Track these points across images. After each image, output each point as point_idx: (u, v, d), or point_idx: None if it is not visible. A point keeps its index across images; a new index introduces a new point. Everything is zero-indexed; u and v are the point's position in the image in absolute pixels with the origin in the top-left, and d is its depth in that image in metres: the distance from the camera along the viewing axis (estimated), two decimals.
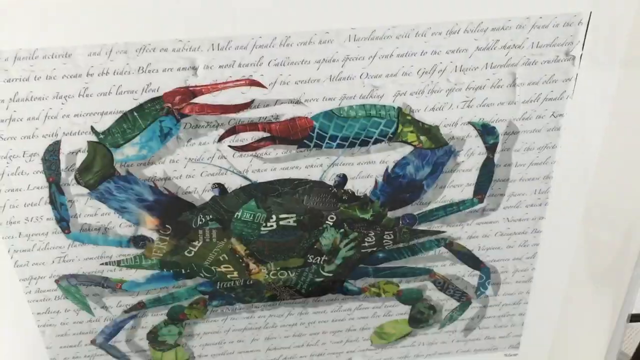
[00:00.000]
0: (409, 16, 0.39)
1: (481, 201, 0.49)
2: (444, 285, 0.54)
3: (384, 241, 0.50)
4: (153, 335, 0.54)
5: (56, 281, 0.49)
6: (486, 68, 0.42)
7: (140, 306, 0.52)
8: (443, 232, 0.51)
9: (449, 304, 0.56)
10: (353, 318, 0.56)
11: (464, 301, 0.55)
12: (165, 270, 0.50)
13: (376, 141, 0.44)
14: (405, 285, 0.54)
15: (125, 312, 0.52)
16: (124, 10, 0.37)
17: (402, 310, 0.56)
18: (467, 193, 0.48)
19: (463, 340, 0.59)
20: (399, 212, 0.49)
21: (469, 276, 0.54)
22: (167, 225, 0.47)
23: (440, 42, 0.41)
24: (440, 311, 0.56)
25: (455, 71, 0.42)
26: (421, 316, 0.56)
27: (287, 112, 0.42)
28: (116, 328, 0.53)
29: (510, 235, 0.51)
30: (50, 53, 0.37)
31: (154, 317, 0.53)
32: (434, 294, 0.55)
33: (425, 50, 0.41)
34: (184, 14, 0.37)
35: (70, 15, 0.36)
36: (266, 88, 0.41)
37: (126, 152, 0.42)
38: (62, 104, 0.40)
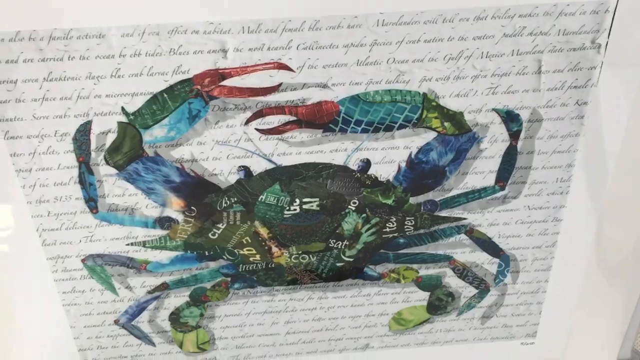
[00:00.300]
0: (436, 2, 0.40)
1: (503, 188, 0.49)
2: (463, 272, 0.55)
3: (405, 227, 0.51)
4: (175, 317, 0.55)
5: (82, 260, 0.50)
6: (512, 55, 0.42)
7: (164, 287, 0.53)
8: (464, 218, 0.51)
9: (468, 291, 0.56)
10: (372, 303, 0.57)
11: (483, 289, 0.56)
12: (189, 251, 0.50)
13: (400, 127, 0.45)
14: (424, 271, 0.54)
15: (149, 292, 0.53)
16: None
17: (420, 297, 0.56)
18: (489, 180, 0.49)
19: (480, 327, 0.59)
20: (420, 198, 0.49)
21: (488, 264, 0.54)
22: (192, 207, 0.48)
23: (468, 28, 0.41)
24: (459, 298, 0.57)
25: (482, 57, 0.42)
26: (439, 303, 0.57)
27: (314, 96, 0.43)
28: (139, 308, 0.54)
29: (531, 224, 0.52)
30: (85, 33, 0.38)
31: (177, 299, 0.54)
32: (452, 281, 0.55)
33: (452, 36, 0.41)
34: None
35: None
36: (294, 72, 0.42)
37: (155, 134, 0.43)
38: (95, 84, 0.40)
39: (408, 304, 0.57)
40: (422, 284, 0.55)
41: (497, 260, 0.54)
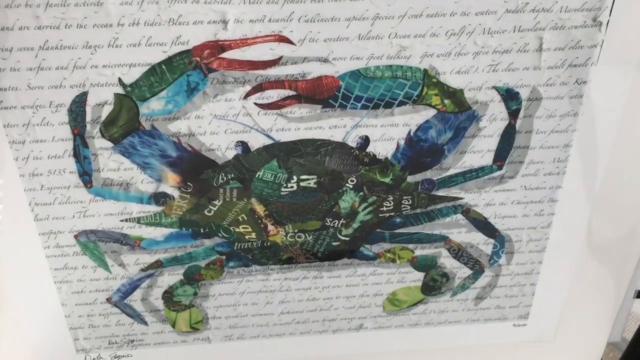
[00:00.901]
0: None
1: (500, 168, 0.49)
2: (459, 252, 0.55)
3: (402, 206, 0.50)
4: (168, 295, 0.55)
5: (75, 236, 0.49)
6: (514, 31, 0.42)
7: (158, 264, 0.52)
8: (461, 198, 0.51)
9: (462, 272, 0.56)
10: (367, 284, 0.56)
11: (477, 269, 0.56)
12: (184, 228, 0.50)
13: (400, 103, 0.45)
14: (420, 251, 0.54)
15: (142, 270, 0.52)
16: None
17: (415, 277, 0.56)
18: (487, 159, 0.49)
19: (473, 309, 0.59)
20: (418, 177, 0.49)
21: (483, 244, 0.54)
22: (188, 183, 0.47)
23: (470, 3, 0.41)
24: (453, 279, 0.57)
25: (483, 34, 0.42)
26: (434, 283, 0.57)
27: (314, 70, 0.42)
28: (132, 286, 0.54)
29: (527, 204, 0.52)
30: (82, 1, 0.37)
31: (171, 277, 0.54)
32: (447, 262, 0.55)
33: (454, 11, 0.41)
34: None
35: None
36: (295, 45, 0.41)
37: (152, 106, 0.43)
38: (92, 53, 0.40)
39: (403, 285, 0.57)
40: (417, 264, 0.55)
41: (492, 241, 0.54)
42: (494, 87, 0.45)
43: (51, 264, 0.51)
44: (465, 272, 0.56)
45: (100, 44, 0.39)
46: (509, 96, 0.45)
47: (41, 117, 0.42)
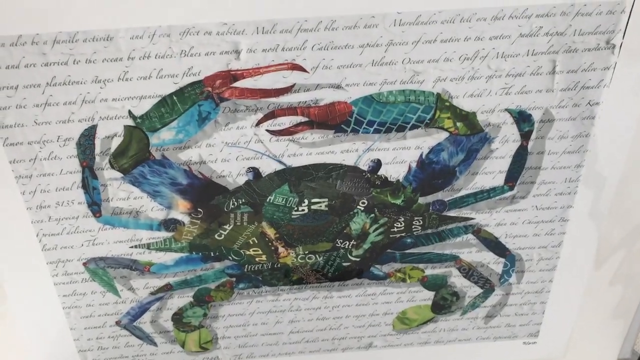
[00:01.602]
0: (454, 1, 0.39)
1: (512, 188, 0.49)
2: (469, 272, 0.54)
3: (413, 227, 0.50)
4: (178, 317, 0.54)
5: (84, 264, 0.49)
6: (527, 55, 0.42)
7: (168, 288, 0.52)
8: (472, 218, 0.51)
9: (472, 290, 0.56)
10: (377, 303, 0.56)
11: (487, 288, 0.56)
12: (194, 252, 0.49)
13: (413, 127, 0.44)
14: (430, 271, 0.54)
15: (152, 294, 0.52)
16: None
17: (425, 296, 0.56)
18: (499, 180, 0.48)
19: (483, 327, 0.59)
20: (429, 198, 0.49)
21: (493, 263, 0.54)
22: (199, 209, 0.47)
23: (484, 28, 0.40)
24: (463, 298, 0.57)
25: (497, 58, 0.42)
26: (444, 302, 0.57)
27: (327, 96, 0.42)
28: (142, 309, 0.53)
29: (538, 224, 0.52)
30: (92, 36, 0.37)
31: (180, 299, 0.53)
32: (458, 281, 0.55)
33: (468, 35, 0.40)
34: None
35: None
36: (308, 72, 0.41)
37: (162, 137, 0.42)
38: (101, 87, 0.39)
39: (413, 304, 0.57)
40: (428, 283, 0.55)
41: (503, 260, 0.54)
42: (507, 110, 0.45)
43: (59, 291, 0.50)
44: (476, 290, 0.56)
45: (110, 77, 0.39)
46: (522, 118, 0.45)
47: (48, 152, 0.41)
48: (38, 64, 0.37)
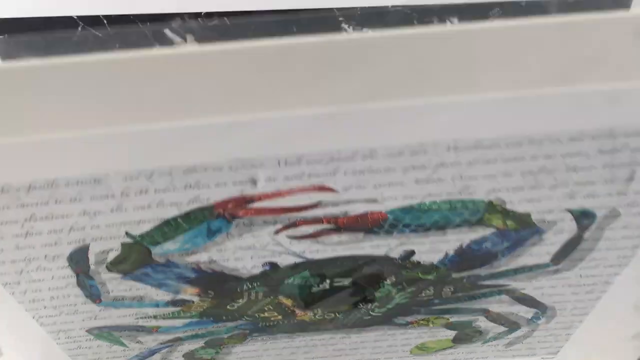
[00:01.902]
0: (522, 124, 0.31)
1: (556, 264, 0.44)
2: (497, 319, 0.51)
3: (442, 293, 0.46)
4: (189, 355, 0.52)
5: (87, 331, 0.45)
6: (604, 168, 0.35)
7: (177, 340, 0.49)
8: (507, 285, 0.46)
9: (498, 328, 0.53)
10: (396, 339, 0.54)
11: (514, 328, 0.53)
12: (204, 318, 0.46)
13: (456, 226, 0.38)
14: (456, 318, 0.51)
15: (162, 343, 0.49)
16: (164, 135, 0.28)
17: (448, 333, 0.54)
18: (544, 259, 0.43)
19: (503, 350, 0.57)
20: (464, 273, 0.44)
21: (524, 312, 0.51)
22: (209, 291, 0.42)
23: (558, 148, 0.33)
24: (487, 333, 0.54)
25: (567, 171, 0.34)
26: (466, 337, 0.54)
27: (359, 209, 0.35)
28: (151, 352, 0.51)
29: (579, 286, 0.47)
30: (75, 181, 0.29)
31: (191, 345, 0.51)
32: (483, 324, 0.52)
33: (536, 154, 0.33)
34: (243, 134, 0.29)
35: (98, 142, 0.28)
36: (338, 192, 0.34)
37: (167, 247, 0.36)
38: (90, 219, 0.32)
39: (434, 339, 0.54)
40: (452, 327, 0.52)
41: (534, 309, 0.50)
42: (568, 210, 0.38)
43: (63, 348, 0.47)
44: (501, 329, 0.53)
45: (101, 210, 0.32)
46: (584, 216, 0.39)
47: (35, 266, 0.36)
48: (12, 206, 0.30)
